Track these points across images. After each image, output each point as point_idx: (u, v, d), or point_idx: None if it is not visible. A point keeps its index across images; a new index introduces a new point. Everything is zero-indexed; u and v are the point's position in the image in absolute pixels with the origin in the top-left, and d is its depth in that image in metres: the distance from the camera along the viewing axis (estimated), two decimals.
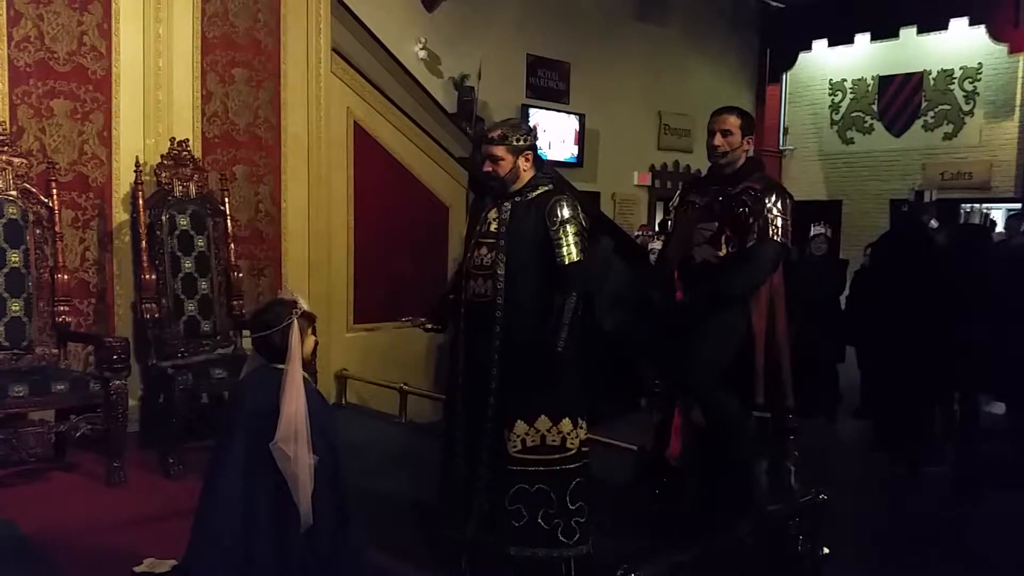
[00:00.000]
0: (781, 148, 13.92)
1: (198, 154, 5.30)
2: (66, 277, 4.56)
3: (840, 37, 12.28)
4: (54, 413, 4.21)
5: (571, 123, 10.35)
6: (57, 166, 4.71)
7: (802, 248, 7.13)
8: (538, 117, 9.70)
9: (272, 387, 2.57)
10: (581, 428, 3.13)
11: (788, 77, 13.59)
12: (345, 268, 6.29)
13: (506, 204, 3.19)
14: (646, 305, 3.76)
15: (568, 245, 3.07)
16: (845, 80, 13.29)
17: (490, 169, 3.18)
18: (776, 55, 12.88)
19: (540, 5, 9.94)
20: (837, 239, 9.74)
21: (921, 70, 12.42)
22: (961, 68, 12.05)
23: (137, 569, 3.08)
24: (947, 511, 4.83)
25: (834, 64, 13.27)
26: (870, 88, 13.02)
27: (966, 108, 12.06)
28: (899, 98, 12.70)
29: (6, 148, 4.46)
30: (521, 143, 3.16)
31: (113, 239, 5.07)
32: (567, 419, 3.09)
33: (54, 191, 4.56)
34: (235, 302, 5.18)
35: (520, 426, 3.05)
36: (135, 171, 4.91)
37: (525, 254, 3.11)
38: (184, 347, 4.89)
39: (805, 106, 13.84)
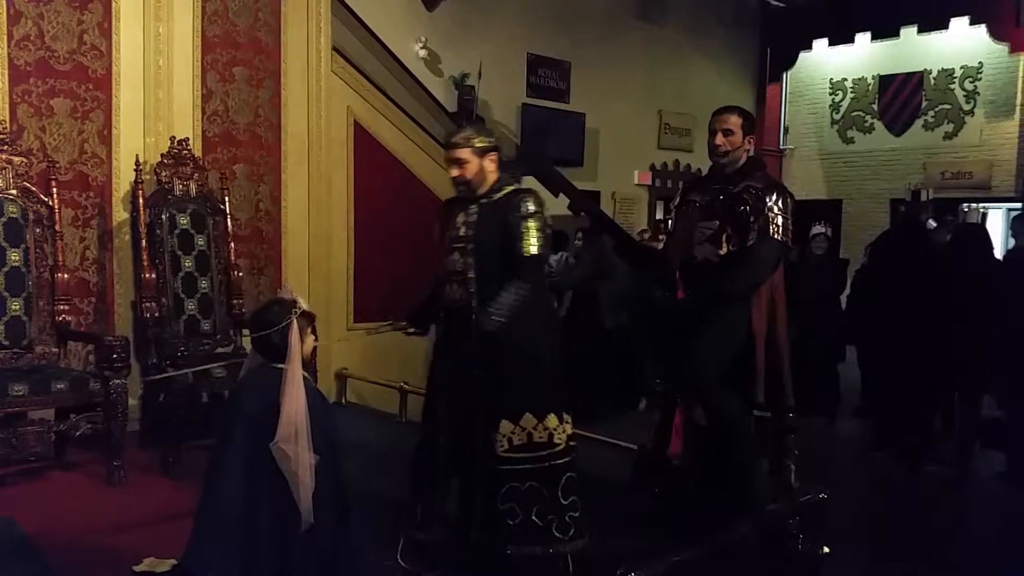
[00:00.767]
0: (781, 147, 13.89)
1: (198, 153, 5.31)
2: (66, 276, 4.57)
3: (840, 36, 12.24)
4: (54, 412, 4.21)
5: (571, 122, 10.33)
6: (57, 165, 4.72)
7: (802, 247, 7.13)
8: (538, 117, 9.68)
9: (272, 387, 2.57)
10: (567, 423, 3.15)
11: (788, 76, 13.54)
12: (345, 267, 6.30)
13: (472, 207, 3.20)
14: (648, 304, 3.77)
15: (530, 238, 3.08)
16: (845, 79, 13.27)
17: (456, 173, 3.19)
18: (776, 54, 12.83)
19: (541, 4, 9.92)
20: (837, 239, 9.75)
21: (921, 69, 12.40)
22: (961, 67, 12.03)
23: (137, 568, 3.08)
24: (947, 510, 4.83)
25: (834, 63, 13.25)
26: (870, 87, 13.00)
27: (966, 107, 12.04)
28: (899, 97, 12.69)
29: (6, 147, 4.47)
30: (484, 144, 3.18)
31: (113, 238, 5.08)
32: (552, 415, 3.10)
33: (54, 190, 4.57)
34: (235, 301, 5.19)
35: (505, 425, 3.06)
36: (135, 170, 4.91)
37: (494, 257, 3.11)
38: (184, 346, 4.89)
39: (805, 105, 13.81)
